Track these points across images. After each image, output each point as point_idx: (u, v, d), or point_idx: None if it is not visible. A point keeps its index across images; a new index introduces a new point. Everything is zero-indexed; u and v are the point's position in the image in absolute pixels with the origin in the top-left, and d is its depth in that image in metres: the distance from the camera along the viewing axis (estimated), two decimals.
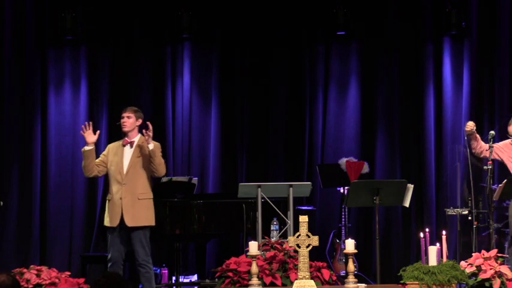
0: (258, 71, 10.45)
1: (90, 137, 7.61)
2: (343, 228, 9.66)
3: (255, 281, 6.16)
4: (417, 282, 6.26)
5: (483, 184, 9.04)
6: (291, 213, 7.94)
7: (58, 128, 10.08)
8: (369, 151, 10.28)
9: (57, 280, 6.82)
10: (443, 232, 6.57)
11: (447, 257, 6.49)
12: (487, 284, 6.47)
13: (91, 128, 7.64)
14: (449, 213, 8.86)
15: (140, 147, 7.57)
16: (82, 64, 10.24)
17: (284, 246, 6.90)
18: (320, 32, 10.44)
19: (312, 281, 5.89)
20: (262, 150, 10.39)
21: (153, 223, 7.63)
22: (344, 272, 9.03)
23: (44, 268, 6.93)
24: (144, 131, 7.55)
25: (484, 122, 9.71)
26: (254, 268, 6.17)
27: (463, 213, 8.69)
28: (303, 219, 5.88)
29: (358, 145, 10.32)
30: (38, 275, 6.81)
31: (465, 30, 10.11)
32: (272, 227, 7.92)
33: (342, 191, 9.71)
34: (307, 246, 5.85)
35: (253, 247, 6.22)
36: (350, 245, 6.23)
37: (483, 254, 6.63)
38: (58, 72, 10.21)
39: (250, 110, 10.42)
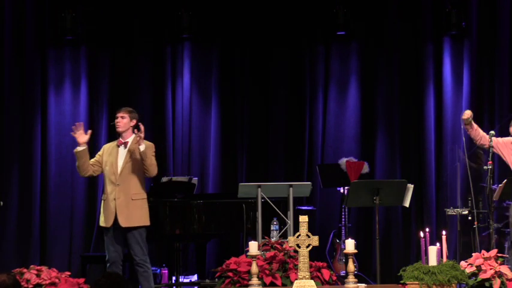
0: (258, 71, 10.45)
1: (82, 137, 7.58)
2: (343, 228, 9.66)
3: (255, 281, 6.17)
4: (417, 282, 6.27)
5: (483, 184, 9.04)
6: (291, 213, 7.94)
7: (58, 128, 10.07)
8: (369, 151, 10.28)
9: (57, 280, 6.83)
10: (443, 232, 6.57)
11: (447, 257, 6.49)
12: (487, 284, 6.47)
13: (82, 128, 7.61)
14: (449, 213, 8.87)
15: (131, 151, 7.54)
16: (82, 64, 10.24)
17: (284, 246, 6.90)
18: (320, 32, 10.44)
19: (312, 281, 5.89)
20: (262, 150, 10.38)
21: (147, 223, 7.62)
22: (344, 272, 9.03)
23: (44, 268, 6.93)
24: (135, 131, 7.54)
25: (484, 122, 9.70)
26: (254, 268, 6.18)
27: (463, 213, 8.69)
28: (303, 219, 5.88)
29: (358, 145, 10.32)
30: (38, 275, 6.81)
31: (465, 30, 10.11)
32: (272, 227, 7.92)
33: (342, 191, 9.71)
34: (307, 246, 5.85)
35: (253, 247, 6.23)
36: (350, 245, 6.23)
37: (483, 254, 6.64)
38: (58, 72, 10.21)
39: (250, 110, 10.42)
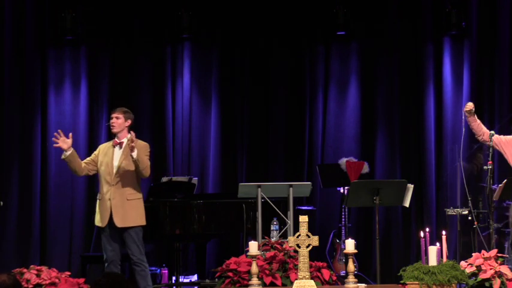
0: (258, 71, 10.45)
1: (65, 144, 7.51)
2: (343, 228, 9.66)
3: (255, 281, 6.17)
4: (417, 282, 6.27)
5: (483, 184, 9.04)
6: (291, 213, 7.93)
7: (58, 128, 9.97)
8: (369, 151, 10.28)
9: (57, 280, 6.83)
10: (443, 232, 6.57)
11: (447, 257, 6.49)
12: (487, 284, 6.47)
13: (62, 135, 7.54)
14: (449, 213, 8.86)
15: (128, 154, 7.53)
16: (82, 64, 10.23)
17: (284, 246, 6.90)
18: (320, 32, 10.44)
19: (312, 281, 5.89)
20: (262, 150, 10.38)
21: (143, 223, 7.60)
22: (344, 272, 9.03)
23: (44, 268, 6.94)
24: (128, 138, 7.50)
25: (484, 122, 9.66)
26: (254, 268, 6.17)
27: (463, 213, 8.69)
28: (303, 219, 5.88)
29: (358, 145, 10.32)
30: (38, 275, 6.81)
31: (465, 30, 10.11)
32: (272, 227, 7.91)
33: (342, 191, 9.71)
34: (307, 246, 5.85)
35: (253, 247, 6.22)
36: (350, 245, 6.23)
37: (483, 254, 6.63)
38: (58, 72, 10.21)
39: (250, 110, 10.42)
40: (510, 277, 6.50)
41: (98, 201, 7.68)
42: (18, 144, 10.01)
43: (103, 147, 7.74)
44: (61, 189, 10.06)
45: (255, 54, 10.44)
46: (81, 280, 6.97)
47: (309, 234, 5.86)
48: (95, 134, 10.13)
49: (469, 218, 8.63)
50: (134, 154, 7.39)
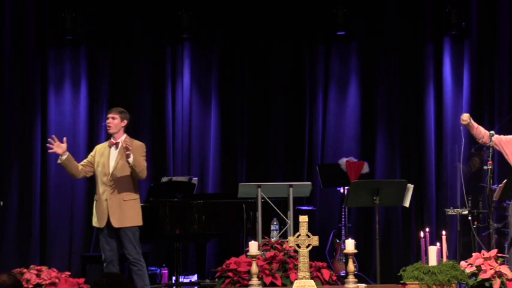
0: (258, 71, 10.45)
1: (60, 149, 7.50)
2: (343, 228, 9.66)
3: (255, 281, 6.16)
4: (417, 282, 6.26)
5: (483, 184, 9.04)
6: (291, 213, 7.93)
7: (58, 128, 10.06)
8: (369, 151, 10.28)
9: (57, 280, 6.83)
10: (443, 232, 6.57)
11: (447, 257, 6.49)
12: (487, 284, 6.47)
13: (57, 139, 7.52)
14: (449, 213, 8.86)
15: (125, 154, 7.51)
16: (82, 64, 10.23)
17: (284, 246, 6.90)
18: (320, 32, 10.44)
19: (312, 281, 5.89)
20: (262, 150, 10.38)
21: (139, 223, 7.59)
22: (344, 272, 9.03)
23: (44, 268, 6.94)
24: (123, 146, 7.48)
25: (484, 122, 9.70)
26: (254, 268, 6.17)
27: (463, 213, 8.69)
28: (303, 219, 5.88)
29: (358, 145, 10.32)
30: (38, 275, 6.81)
31: (465, 30, 10.11)
32: (272, 227, 7.91)
33: (342, 191, 9.71)
34: (307, 246, 5.85)
35: (253, 247, 6.22)
36: (350, 245, 6.23)
37: (483, 254, 6.63)
38: (58, 72, 10.21)
39: (250, 110, 10.42)
40: (510, 277, 6.50)
41: (94, 202, 7.68)
42: (18, 144, 10.01)
43: (99, 148, 7.73)
44: (61, 189, 10.05)
45: (255, 54, 10.44)
46: (81, 280, 6.97)
47: (309, 234, 5.86)
48: (94, 134, 10.12)
49: (469, 218, 8.63)
50: (130, 160, 7.38)
